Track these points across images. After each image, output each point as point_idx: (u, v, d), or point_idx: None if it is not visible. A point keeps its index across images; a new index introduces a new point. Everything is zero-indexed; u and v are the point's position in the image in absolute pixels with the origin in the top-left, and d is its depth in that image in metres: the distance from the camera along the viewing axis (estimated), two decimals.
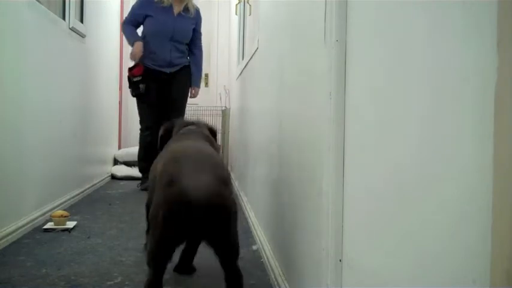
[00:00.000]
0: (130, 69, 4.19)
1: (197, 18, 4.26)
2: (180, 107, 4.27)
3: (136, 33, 4.18)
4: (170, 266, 1.83)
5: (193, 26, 4.23)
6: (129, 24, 4.18)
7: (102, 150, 4.82)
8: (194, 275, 1.99)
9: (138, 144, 4.55)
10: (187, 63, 4.26)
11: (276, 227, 2.06)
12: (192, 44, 4.27)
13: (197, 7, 4.28)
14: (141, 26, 4.22)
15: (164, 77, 4.18)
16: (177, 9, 4.14)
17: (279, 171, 2.02)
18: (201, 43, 4.35)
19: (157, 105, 4.21)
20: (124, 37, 4.27)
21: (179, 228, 1.49)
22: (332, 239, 1.14)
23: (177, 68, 4.21)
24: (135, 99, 4.30)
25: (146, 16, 4.12)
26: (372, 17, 0.99)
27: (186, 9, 4.16)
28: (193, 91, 4.31)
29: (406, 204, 0.80)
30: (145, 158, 4.29)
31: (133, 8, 4.24)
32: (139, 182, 4.41)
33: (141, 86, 4.12)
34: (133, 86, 4.16)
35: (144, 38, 4.15)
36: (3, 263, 2.10)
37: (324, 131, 1.20)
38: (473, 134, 0.60)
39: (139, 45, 4.06)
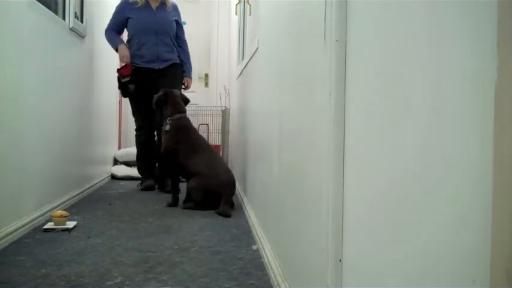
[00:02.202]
0: (119, 69, 4.16)
1: (176, 12, 4.28)
2: None
3: (118, 37, 4.20)
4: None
5: (175, 18, 4.24)
6: (111, 30, 4.19)
7: (102, 150, 4.82)
8: (194, 275, 1.99)
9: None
10: (177, 61, 4.24)
11: (276, 227, 2.06)
12: (177, 38, 4.28)
13: (174, 2, 4.30)
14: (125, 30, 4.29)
15: (154, 75, 4.13)
16: (154, 4, 4.17)
17: (279, 171, 2.02)
18: (184, 36, 4.37)
19: (148, 104, 4.10)
20: (107, 39, 4.24)
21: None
22: (332, 239, 1.14)
23: (167, 64, 4.18)
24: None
25: (128, 18, 4.16)
26: (372, 17, 0.99)
27: (163, 3, 4.19)
28: (185, 83, 4.29)
29: (406, 204, 0.80)
30: (142, 157, 4.33)
31: (114, 14, 4.24)
32: (139, 182, 4.40)
33: (131, 86, 4.10)
34: (122, 86, 4.14)
35: (130, 39, 4.18)
36: (3, 263, 2.10)
37: (324, 131, 1.20)
38: (474, 134, 0.60)
39: (123, 48, 4.10)
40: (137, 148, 4.37)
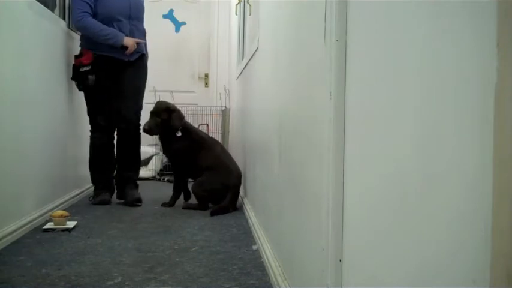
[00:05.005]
0: (77, 56, 3.47)
1: None
2: (138, 101, 3.60)
3: (107, 27, 3.41)
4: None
5: None
6: (89, 17, 3.36)
7: None
8: (194, 275, 1.99)
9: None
10: (144, 51, 3.65)
11: (276, 227, 2.06)
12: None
13: None
14: None
15: (122, 66, 3.51)
16: None
17: (279, 171, 2.02)
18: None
19: (110, 100, 3.52)
20: (93, 32, 3.38)
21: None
22: (332, 239, 1.14)
23: (137, 55, 3.56)
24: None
25: None
26: (371, 17, 0.99)
27: None
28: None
29: (406, 204, 0.80)
30: (97, 166, 3.61)
31: None
32: (92, 196, 3.67)
33: (90, 77, 3.40)
34: (80, 77, 3.43)
35: (99, 21, 3.41)
36: (3, 263, 2.10)
37: (324, 131, 1.20)
38: (473, 134, 0.60)
39: (129, 38, 3.45)
40: (92, 153, 3.61)
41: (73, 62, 3.46)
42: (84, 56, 3.42)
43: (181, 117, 3.65)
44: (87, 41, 3.45)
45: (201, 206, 3.41)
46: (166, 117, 3.56)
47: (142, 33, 3.63)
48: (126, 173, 3.58)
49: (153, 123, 3.56)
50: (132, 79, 3.54)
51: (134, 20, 3.54)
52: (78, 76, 3.44)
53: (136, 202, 3.52)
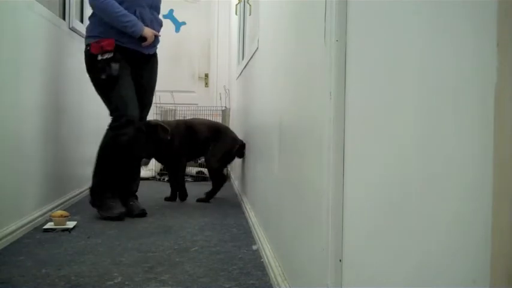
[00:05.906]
0: (97, 41, 2.96)
1: None
2: (151, 100, 3.36)
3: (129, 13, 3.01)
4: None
5: None
6: None
7: None
8: (194, 275, 1.99)
9: None
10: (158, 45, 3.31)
11: (276, 227, 2.06)
12: None
13: None
14: None
15: (141, 60, 3.16)
16: None
17: (279, 171, 2.02)
18: None
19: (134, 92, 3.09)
20: (112, 16, 2.97)
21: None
22: (332, 239, 1.14)
23: (155, 49, 3.26)
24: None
25: None
26: (371, 17, 0.99)
27: None
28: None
29: (406, 204, 0.80)
30: (116, 170, 3.14)
31: None
32: (89, 197, 3.21)
33: (114, 65, 2.91)
34: (101, 65, 2.93)
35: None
36: (3, 263, 2.10)
37: (324, 131, 1.20)
38: (473, 134, 0.60)
39: (149, 30, 3.07)
40: (109, 153, 3.08)
41: (88, 49, 2.98)
42: (106, 41, 2.92)
43: (164, 128, 3.57)
44: (105, 29, 3.00)
45: (219, 182, 3.74)
46: (155, 136, 3.55)
47: (160, 25, 3.24)
48: (128, 184, 3.22)
49: (150, 149, 3.58)
50: (150, 76, 3.24)
51: (153, 9, 3.18)
52: (97, 65, 2.93)
53: (143, 213, 3.14)
